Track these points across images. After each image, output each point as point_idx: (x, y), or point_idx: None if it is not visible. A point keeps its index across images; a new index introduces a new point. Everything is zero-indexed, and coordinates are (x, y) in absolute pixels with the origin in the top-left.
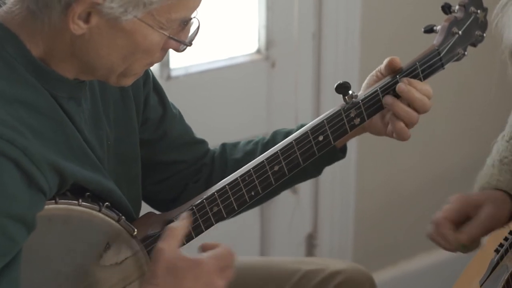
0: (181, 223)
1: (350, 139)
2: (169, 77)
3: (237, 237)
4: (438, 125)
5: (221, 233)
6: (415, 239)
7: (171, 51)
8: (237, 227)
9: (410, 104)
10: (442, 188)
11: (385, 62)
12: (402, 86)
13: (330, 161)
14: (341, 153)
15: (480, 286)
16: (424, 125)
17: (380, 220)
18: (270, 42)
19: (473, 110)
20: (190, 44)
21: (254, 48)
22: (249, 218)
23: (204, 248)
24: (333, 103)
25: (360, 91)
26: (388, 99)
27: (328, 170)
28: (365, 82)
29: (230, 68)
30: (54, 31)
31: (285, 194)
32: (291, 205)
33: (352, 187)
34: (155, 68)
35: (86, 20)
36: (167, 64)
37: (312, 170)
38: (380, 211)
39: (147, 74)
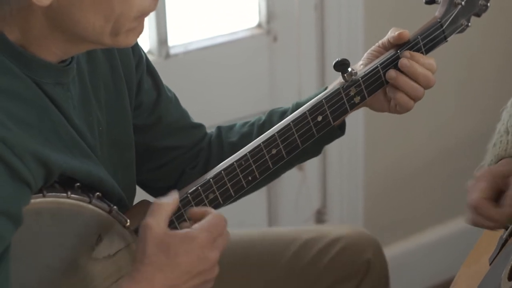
0: (168, 198)
1: (348, 115)
2: (168, 55)
3: (244, 214)
4: (445, 97)
5: (227, 212)
6: (426, 213)
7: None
8: (244, 205)
9: (413, 79)
10: (451, 161)
11: (391, 34)
12: (404, 61)
13: (328, 140)
14: (339, 130)
15: (490, 264)
16: (432, 98)
17: (390, 194)
18: (271, 15)
19: (480, 82)
20: None
21: (255, 22)
22: (256, 195)
23: (192, 216)
24: (338, 77)
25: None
26: (392, 73)
27: (335, 145)
28: (364, 58)
29: (231, 44)
30: (23, 11)
31: (291, 171)
32: (297, 182)
33: (361, 161)
34: (153, 46)
35: None
36: (165, 41)
37: (311, 150)
38: (390, 184)
39: (140, 56)
